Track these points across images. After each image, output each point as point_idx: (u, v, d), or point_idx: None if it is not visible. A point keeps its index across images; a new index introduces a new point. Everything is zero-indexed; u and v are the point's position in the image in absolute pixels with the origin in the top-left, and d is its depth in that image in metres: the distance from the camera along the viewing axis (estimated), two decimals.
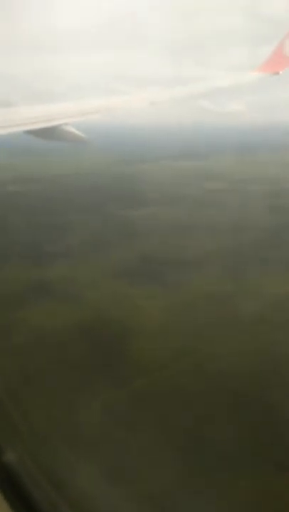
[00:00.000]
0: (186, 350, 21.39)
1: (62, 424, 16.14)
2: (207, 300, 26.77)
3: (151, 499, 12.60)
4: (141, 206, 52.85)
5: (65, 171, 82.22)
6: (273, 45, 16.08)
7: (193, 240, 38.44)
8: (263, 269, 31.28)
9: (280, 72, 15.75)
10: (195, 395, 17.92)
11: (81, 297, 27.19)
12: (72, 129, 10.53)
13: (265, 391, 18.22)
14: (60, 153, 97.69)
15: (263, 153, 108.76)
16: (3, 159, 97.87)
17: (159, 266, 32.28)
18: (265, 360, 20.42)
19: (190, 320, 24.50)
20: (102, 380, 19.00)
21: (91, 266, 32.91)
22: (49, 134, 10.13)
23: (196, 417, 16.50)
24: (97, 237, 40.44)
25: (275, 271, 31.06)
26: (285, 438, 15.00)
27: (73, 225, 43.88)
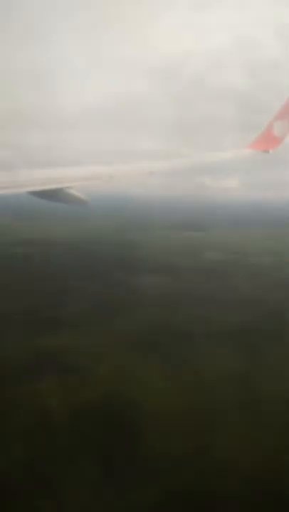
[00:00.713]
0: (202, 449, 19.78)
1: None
2: (225, 381, 25.84)
3: None
4: (144, 274, 53.38)
5: (70, 235, 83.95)
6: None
7: (200, 311, 38.47)
8: (278, 344, 31.25)
9: (270, 151, 17.08)
10: None
11: (88, 372, 26.42)
12: (74, 192, 11.06)
13: None
14: (63, 218, 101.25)
15: (257, 226, 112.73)
16: (9, 222, 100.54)
17: (169, 339, 31.93)
18: None
19: (210, 406, 23.05)
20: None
21: (95, 335, 32.52)
22: (52, 195, 10.69)
23: None
24: (101, 304, 40.35)
25: None
26: None
27: (77, 291, 43.98)
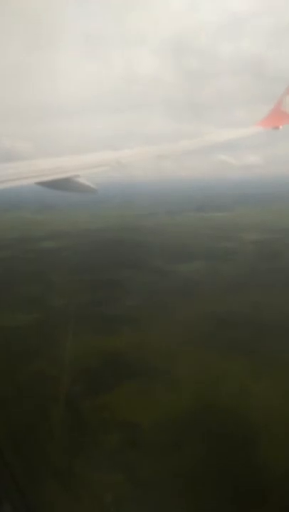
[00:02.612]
0: None
1: None
2: None
3: None
4: (186, 260, 50.27)
5: (93, 224, 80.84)
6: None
7: (268, 299, 35.26)
8: None
9: (280, 127, 16.65)
10: None
11: (169, 375, 23.49)
12: (83, 180, 10.78)
13: None
14: (79, 207, 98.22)
15: (283, 202, 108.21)
16: (27, 215, 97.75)
17: (241, 330, 28.92)
18: None
19: None
20: None
21: (160, 330, 29.53)
22: (61, 185, 10.52)
23: None
24: (155, 295, 37.43)
25: None
26: None
27: (126, 282, 41.10)
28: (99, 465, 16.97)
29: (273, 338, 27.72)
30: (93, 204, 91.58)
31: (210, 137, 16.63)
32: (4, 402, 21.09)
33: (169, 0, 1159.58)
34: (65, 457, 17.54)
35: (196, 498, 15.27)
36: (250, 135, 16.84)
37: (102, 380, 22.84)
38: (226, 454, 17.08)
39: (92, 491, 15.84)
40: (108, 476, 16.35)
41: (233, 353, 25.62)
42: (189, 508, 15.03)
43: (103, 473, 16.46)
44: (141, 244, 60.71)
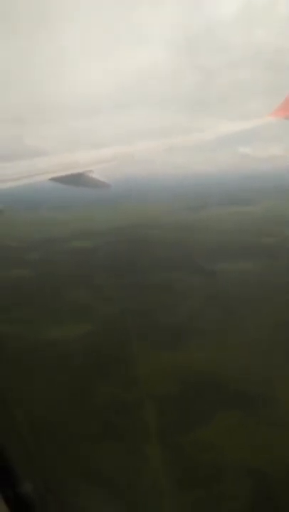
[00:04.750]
0: None
1: None
2: None
3: None
4: (229, 259, 46.46)
5: (117, 223, 77.07)
6: None
7: None
8: None
9: None
10: None
11: (275, 403, 19.69)
12: (96, 176, 10.73)
13: None
14: (99, 206, 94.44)
15: None
16: (47, 214, 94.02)
17: None
18: None
19: None
20: None
21: (236, 344, 25.79)
22: (74, 180, 10.47)
23: None
24: (211, 300, 33.67)
25: None
26: None
27: (172, 285, 37.47)
28: None
29: None
30: (111, 201, 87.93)
31: (222, 128, 16.44)
32: (85, 438, 17.58)
33: None
34: None
35: None
36: (262, 125, 16.64)
37: (189, 409, 19.29)
38: None
39: None
40: None
41: None
42: None
43: None
44: (173, 242, 56.99)
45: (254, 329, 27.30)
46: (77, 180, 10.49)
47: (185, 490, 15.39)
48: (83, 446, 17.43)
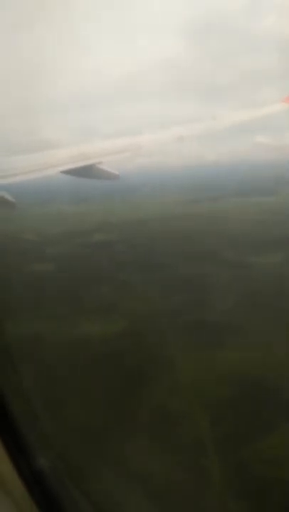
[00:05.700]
0: None
1: None
2: None
3: None
4: (261, 251, 44.25)
5: (136, 215, 75.10)
6: None
7: None
8: None
9: None
10: None
11: None
12: (105, 167, 11.08)
13: None
14: (114, 198, 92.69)
15: None
16: (63, 208, 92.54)
17: None
18: None
19: None
20: None
21: (285, 344, 23.92)
22: (84, 172, 10.94)
23: None
24: (249, 295, 31.78)
25: None
26: None
27: (205, 280, 35.64)
28: None
29: None
30: (125, 193, 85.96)
31: (234, 116, 16.26)
32: (133, 451, 15.97)
33: None
34: None
35: None
36: (276, 112, 16.46)
37: (245, 417, 17.61)
38: None
39: None
40: None
41: None
42: None
43: None
44: (197, 234, 54.80)
45: None
46: (87, 172, 10.68)
47: (249, 507, 13.83)
48: (131, 460, 15.87)
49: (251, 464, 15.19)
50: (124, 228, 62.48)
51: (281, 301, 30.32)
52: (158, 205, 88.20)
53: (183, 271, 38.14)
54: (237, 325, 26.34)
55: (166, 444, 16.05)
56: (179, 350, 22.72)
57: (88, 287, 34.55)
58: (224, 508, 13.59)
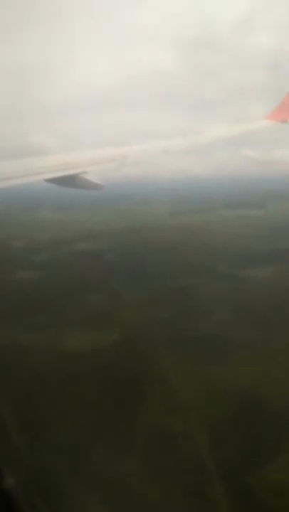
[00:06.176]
0: None
1: None
2: None
3: None
4: (252, 264, 43.91)
5: (122, 224, 74.19)
6: None
7: None
8: None
9: None
10: None
11: None
12: (90, 177, 10.45)
13: None
14: (99, 207, 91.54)
15: None
16: (47, 215, 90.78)
17: None
18: None
19: None
20: None
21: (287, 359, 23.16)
22: (68, 181, 10.30)
23: None
24: (246, 308, 31.04)
25: None
26: None
27: (198, 291, 34.84)
28: None
29: None
30: (111, 202, 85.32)
31: (218, 132, 16.14)
32: (129, 476, 14.80)
33: None
34: None
35: None
36: (259, 129, 16.29)
37: (249, 439, 16.64)
38: None
39: None
40: None
41: None
42: None
43: None
44: (185, 246, 54.44)
45: None
46: (72, 181, 10.31)
47: None
48: (128, 485, 14.69)
49: (257, 491, 14.23)
50: (113, 237, 61.63)
51: (275, 314, 29.75)
52: (145, 215, 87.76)
53: (173, 282, 37.23)
54: (233, 338, 25.54)
55: (166, 469, 14.97)
56: (174, 364, 21.74)
57: (77, 297, 33.35)
58: None
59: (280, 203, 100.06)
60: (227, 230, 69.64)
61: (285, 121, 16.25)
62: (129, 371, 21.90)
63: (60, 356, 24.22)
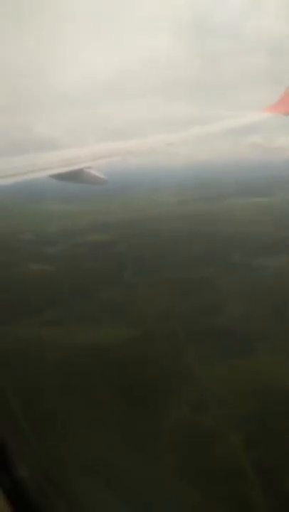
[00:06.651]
0: None
1: None
2: None
3: None
4: (267, 253, 43.17)
5: (132, 214, 73.34)
6: None
7: None
8: None
9: None
10: None
11: None
12: (94, 171, 10.64)
13: None
14: (108, 197, 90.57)
15: None
16: (55, 206, 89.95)
17: None
18: None
19: None
20: None
21: None
22: (73, 176, 10.46)
23: None
24: (264, 298, 30.36)
25: None
26: None
27: (215, 282, 34.17)
28: None
29: None
30: (119, 192, 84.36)
31: (220, 124, 16.25)
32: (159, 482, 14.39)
33: None
34: None
35: None
36: (261, 121, 16.49)
37: (281, 435, 16.13)
38: None
39: None
40: None
41: None
42: None
43: None
44: (198, 235, 53.59)
45: None
46: (76, 176, 10.52)
47: None
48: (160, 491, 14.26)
49: None
50: (120, 228, 60.93)
51: None
52: (153, 205, 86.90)
53: (189, 273, 36.60)
54: (255, 330, 24.98)
55: (200, 470, 14.52)
56: (197, 359, 21.28)
57: (91, 290, 32.86)
58: None
59: (287, 190, 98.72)
60: (239, 217, 68.56)
61: (287, 113, 16.39)
62: (150, 367, 21.46)
63: (76, 349, 23.81)
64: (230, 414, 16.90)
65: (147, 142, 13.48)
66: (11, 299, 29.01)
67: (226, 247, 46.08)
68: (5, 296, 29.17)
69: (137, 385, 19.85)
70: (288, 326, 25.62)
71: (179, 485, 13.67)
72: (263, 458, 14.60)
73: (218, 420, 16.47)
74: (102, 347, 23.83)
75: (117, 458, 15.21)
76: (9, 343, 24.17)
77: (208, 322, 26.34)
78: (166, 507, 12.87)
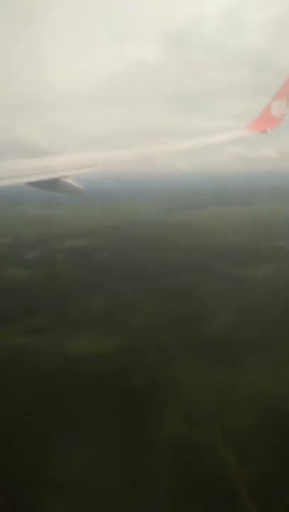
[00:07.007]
0: None
1: None
2: None
3: None
4: (251, 263, 42.59)
5: (113, 221, 72.01)
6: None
7: None
8: None
9: (268, 131, 17.33)
10: None
11: None
12: (72, 181, 10.59)
13: None
14: (89, 203, 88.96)
15: None
16: (35, 211, 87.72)
17: None
18: None
19: None
20: None
21: None
22: (50, 185, 10.46)
23: None
24: (250, 309, 29.62)
25: None
26: None
27: (199, 291, 33.33)
28: None
29: None
30: (100, 198, 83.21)
31: (200, 140, 16.88)
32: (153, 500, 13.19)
33: None
34: None
35: None
36: (240, 139, 17.32)
37: (278, 451, 15.15)
38: None
39: None
40: None
41: None
42: None
43: None
44: (181, 243, 52.86)
45: None
46: (53, 185, 10.41)
47: None
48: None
49: None
50: (100, 234, 59.66)
51: (282, 314, 28.48)
52: (134, 212, 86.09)
53: (173, 281, 35.66)
54: (243, 341, 24.16)
55: (193, 487, 13.42)
56: (186, 370, 20.26)
57: (73, 297, 31.54)
58: None
59: (269, 200, 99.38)
60: (222, 226, 68.09)
61: (264, 131, 17.40)
62: (137, 378, 20.31)
63: (61, 360, 22.50)
64: (222, 427, 15.90)
65: (126, 155, 13.48)
66: None
67: (209, 256, 45.31)
68: None
69: (121, 395, 18.70)
70: (276, 336, 24.93)
71: (158, 503, 12.54)
72: (260, 478, 13.62)
73: (206, 434, 15.44)
74: (87, 356, 22.60)
75: (95, 472, 14.15)
76: None
77: (191, 333, 25.35)
78: None
